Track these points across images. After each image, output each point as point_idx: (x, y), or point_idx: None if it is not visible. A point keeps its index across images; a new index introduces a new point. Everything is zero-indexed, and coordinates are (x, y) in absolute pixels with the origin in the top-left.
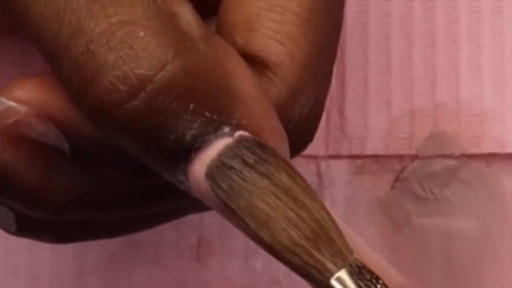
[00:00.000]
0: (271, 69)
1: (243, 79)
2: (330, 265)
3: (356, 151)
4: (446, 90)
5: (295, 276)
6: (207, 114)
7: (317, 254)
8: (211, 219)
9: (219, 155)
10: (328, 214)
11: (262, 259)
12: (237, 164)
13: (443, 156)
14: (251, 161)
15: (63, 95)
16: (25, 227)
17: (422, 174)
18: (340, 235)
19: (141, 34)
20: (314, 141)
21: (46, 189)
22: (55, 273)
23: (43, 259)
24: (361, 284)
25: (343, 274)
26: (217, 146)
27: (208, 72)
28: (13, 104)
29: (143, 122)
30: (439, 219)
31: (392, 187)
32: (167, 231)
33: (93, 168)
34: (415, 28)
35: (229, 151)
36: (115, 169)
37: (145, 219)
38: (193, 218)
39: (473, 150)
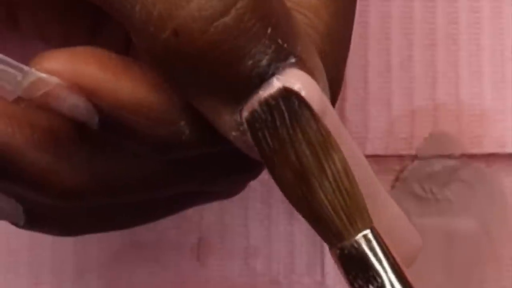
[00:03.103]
0: None
1: (296, 19)
2: (360, 223)
3: None
4: (446, 90)
5: (295, 276)
6: (279, 41)
7: (348, 212)
8: (212, 218)
9: (259, 103)
10: (351, 180)
11: (262, 259)
12: (277, 115)
13: (443, 156)
14: (291, 114)
15: (97, 64)
16: (34, 220)
17: (422, 174)
18: (362, 198)
19: None
20: None
21: (56, 173)
22: (56, 272)
23: (45, 258)
24: (377, 251)
25: (369, 234)
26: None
27: (278, 3)
28: (43, 75)
29: (228, 42)
30: (439, 219)
31: (392, 187)
32: (168, 230)
33: (116, 146)
34: (415, 28)
35: (272, 101)
36: (145, 142)
37: (157, 206)
38: (193, 218)
39: (473, 150)
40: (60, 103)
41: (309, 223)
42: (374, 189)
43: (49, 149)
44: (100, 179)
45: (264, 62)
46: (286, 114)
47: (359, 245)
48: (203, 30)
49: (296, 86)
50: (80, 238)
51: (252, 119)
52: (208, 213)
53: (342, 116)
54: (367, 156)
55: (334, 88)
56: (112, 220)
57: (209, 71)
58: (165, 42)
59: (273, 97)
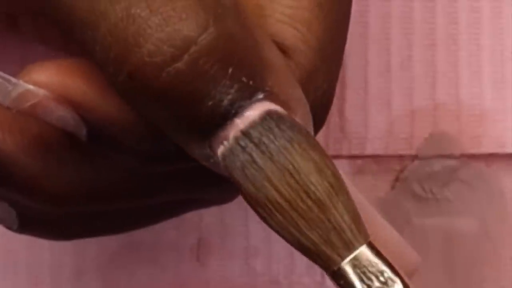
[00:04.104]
0: (285, 53)
1: (271, 49)
2: (334, 256)
3: (356, 151)
4: (446, 90)
5: (295, 277)
6: (244, 79)
7: (322, 246)
8: (211, 219)
9: (243, 128)
10: (346, 197)
11: (262, 260)
12: (262, 139)
13: (443, 156)
14: (277, 137)
15: (84, 78)
16: (27, 224)
17: (422, 174)
18: (353, 220)
19: None
20: None
21: (46, 179)
22: (55, 273)
23: (43, 258)
24: (363, 277)
25: (346, 266)
26: (251, 113)
27: (243, 38)
28: (31, 87)
29: (184, 86)
30: (439, 219)
31: (392, 187)
32: (167, 231)
33: (105, 156)
34: (415, 28)
35: (258, 126)
36: (133, 154)
37: (149, 213)
38: (193, 218)
39: (473, 150)
40: (48, 115)
41: (310, 247)
42: (367, 212)
43: (39, 155)
44: (90, 186)
45: (225, 102)
46: (276, 138)
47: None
48: (156, 76)
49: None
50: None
51: (229, 157)
52: (208, 214)
53: (342, 116)
54: (367, 156)
55: (325, 102)
56: (104, 225)
57: (168, 112)
58: (123, 84)
59: (252, 125)
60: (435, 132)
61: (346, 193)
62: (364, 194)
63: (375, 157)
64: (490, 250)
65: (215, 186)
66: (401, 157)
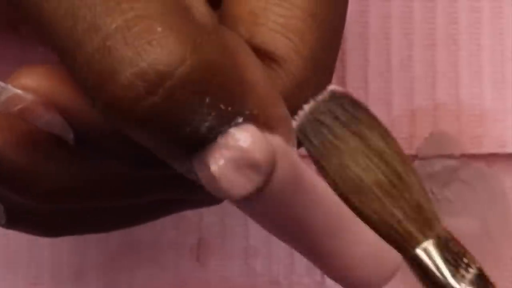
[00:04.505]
0: (276, 62)
1: (253, 69)
2: (418, 235)
3: None
4: (446, 90)
5: (294, 277)
6: (222, 106)
7: (406, 223)
8: (211, 219)
9: (311, 111)
10: (420, 180)
11: (262, 260)
12: (328, 120)
13: (443, 156)
14: (343, 118)
15: (72, 84)
16: (15, 219)
17: (423, 174)
18: (430, 203)
19: (159, 29)
20: None
21: (35, 175)
22: (55, 272)
23: (43, 258)
24: (448, 257)
25: (430, 245)
26: (234, 135)
27: (222, 65)
28: (19, 91)
29: (160, 117)
30: None
31: None
32: (167, 231)
33: (93, 157)
34: (415, 28)
35: (322, 106)
36: (119, 159)
37: (139, 212)
38: (193, 218)
39: (474, 150)
40: (36, 119)
41: (393, 227)
42: (346, 221)
43: (28, 151)
44: (78, 184)
45: (203, 129)
46: (344, 115)
47: (429, 252)
48: (130, 109)
49: (244, 143)
50: (79, 238)
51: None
52: (208, 213)
53: None
54: None
55: None
56: (95, 222)
57: (147, 138)
58: (102, 110)
59: (324, 100)
60: (435, 132)
61: (417, 175)
62: None
63: None
64: (491, 251)
65: (200, 188)
66: None
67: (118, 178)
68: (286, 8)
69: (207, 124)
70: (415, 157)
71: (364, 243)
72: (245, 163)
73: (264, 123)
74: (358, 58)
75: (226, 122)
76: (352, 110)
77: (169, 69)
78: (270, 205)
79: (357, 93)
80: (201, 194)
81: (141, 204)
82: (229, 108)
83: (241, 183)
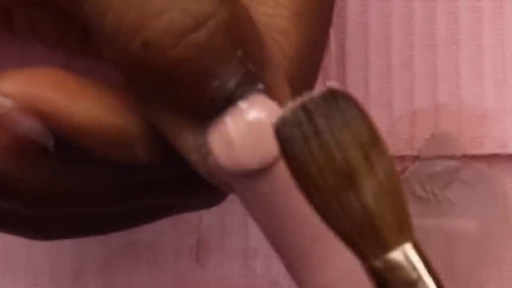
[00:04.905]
0: None
1: (269, 48)
2: (368, 253)
3: None
4: (447, 90)
5: None
6: (249, 65)
7: (359, 242)
8: (211, 220)
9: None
10: (397, 193)
11: (262, 261)
12: (317, 119)
13: (444, 157)
14: (331, 117)
15: (54, 87)
16: (5, 223)
17: (424, 175)
18: (397, 220)
19: None
20: None
21: (21, 181)
22: (54, 273)
23: (42, 259)
24: (388, 286)
25: (379, 264)
26: (256, 100)
27: (250, 26)
28: None
29: (196, 60)
30: (440, 220)
31: None
32: (167, 231)
33: (77, 163)
34: (416, 29)
35: (315, 100)
36: (103, 164)
37: (130, 217)
38: (192, 219)
39: (475, 151)
40: (15, 126)
41: (346, 235)
42: (325, 232)
43: (14, 157)
44: (65, 190)
45: (231, 84)
46: (331, 116)
47: (407, 256)
48: (173, 44)
49: (262, 114)
50: (78, 239)
51: (283, 127)
52: (207, 214)
53: None
54: None
55: None
56: (84, 227)
57: (174, 88)
58: (134, 54)
59: (314, 100)
60: (436, 132)
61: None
62: None
63: None
64: (492, 251)
65: (192, 194)
66: (402, 158)
67: (106, 184)
68: (270, 6)
69: (235, 79)
70: (416, 158)
71: (347, 258)
72: (268, 132)
73: (277, 99)
74: (358, 59)
75: (250, 83)
76: (342, 111)
77: (212, 8)
78: (275, 186)
79: (358, 94)
80: (193, 200)
81: (131, 209)
82: (254, 70)
83: (260, 153)
